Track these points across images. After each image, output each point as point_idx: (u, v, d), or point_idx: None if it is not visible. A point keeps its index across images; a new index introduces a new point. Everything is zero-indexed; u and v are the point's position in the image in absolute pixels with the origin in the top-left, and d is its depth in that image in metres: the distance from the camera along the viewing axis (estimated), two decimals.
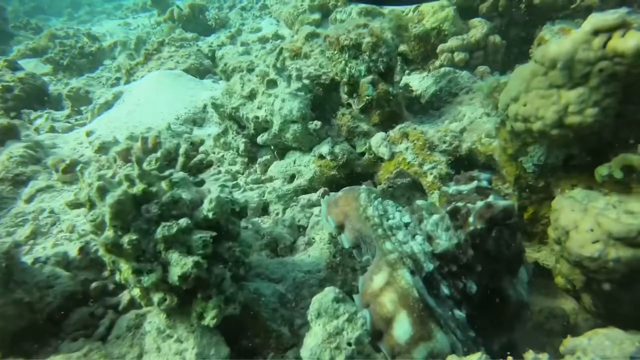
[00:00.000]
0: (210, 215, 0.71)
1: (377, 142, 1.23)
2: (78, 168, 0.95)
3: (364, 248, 0.74)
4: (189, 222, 0.71)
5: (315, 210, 1.08)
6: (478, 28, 1.68)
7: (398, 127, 1.26)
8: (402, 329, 0.66)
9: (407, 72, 1.77)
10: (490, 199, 0.73)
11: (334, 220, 0.77)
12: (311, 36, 1.67)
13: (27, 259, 0.93)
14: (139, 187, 0.70)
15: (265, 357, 0.77)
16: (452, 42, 1.67)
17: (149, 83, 1.88)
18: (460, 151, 1.18)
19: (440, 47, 1.69)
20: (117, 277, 0.77)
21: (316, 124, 1.46)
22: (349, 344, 0.67)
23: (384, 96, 1.33)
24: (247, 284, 0.77)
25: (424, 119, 1.52)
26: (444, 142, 1.19)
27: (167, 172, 0.76)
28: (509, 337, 0.74)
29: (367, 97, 1.34)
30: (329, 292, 0.71)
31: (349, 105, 1.43)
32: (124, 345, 0.80)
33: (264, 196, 1.18)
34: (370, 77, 1.33)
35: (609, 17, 0.78)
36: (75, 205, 0.95)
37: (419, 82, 1.65)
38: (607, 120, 0.84)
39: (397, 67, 1.75)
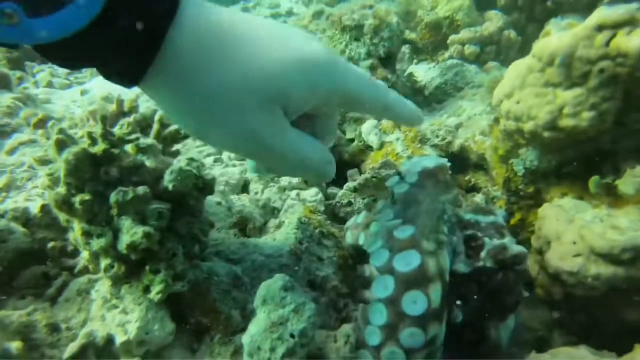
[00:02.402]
0: (170, 186, 0.68)
1: (368, 130, 1.18)
2: (50, 123, 0.93)
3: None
4: (147, 190, 0.68)
5: (292, 193, 1.04)
6: (493, 21, 1.60)
7: None
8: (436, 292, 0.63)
9: (415, 61, 1.71)
10: (506, 240, 0.70)
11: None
12: (318, 14, 1.62)
13: None
14: (100, 147, 0.67)
15: (212, 338, 0.74)
16: (464, 33, 1.60)
17: None
18: (452, 147, 1.13)
19: (451, 38, 1.63)
20: (71, 236, 0.74)
21: None
22: (292, 336, 0.63)
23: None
24: (201, 263, 0.74)
25: (424, 110, 1.47)
26: (437, 137, 1.14)
27: (133, 136, 0.72)
28: None
29: None
30: (278, 279, 0.67)
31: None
32: (71, 309, 0.78)
33: (245, 173, 1.14)
34: (369, 62, 1.27)
35: (616, 12, 0.72)
36: (43, 161, 0.92)
37: (424, 72, 1.59)
38: (604, 126, 0.78)
39: (403, 54, 1.69)
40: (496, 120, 0.93)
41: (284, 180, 1.11)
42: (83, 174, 0.68)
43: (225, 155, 1.24)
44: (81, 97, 1.58)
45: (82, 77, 2.00)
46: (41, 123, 1.11)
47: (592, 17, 0.72)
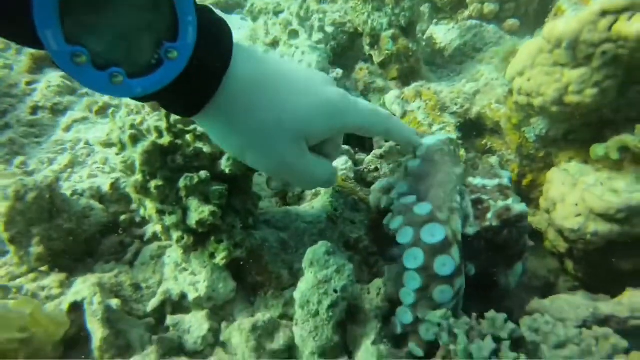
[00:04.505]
0: (227, 170, 0.81)
1: (391, 100, 1.27)
2: (110, 111, 1.05)
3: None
4: (208, 174, 0.81)
5: None
6: None
7: (413, 85, 1.29)
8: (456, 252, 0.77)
9: (435, 21, 1.75)
10: (510, 201, 0.81)
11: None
12: None
13: (67, 189, 1.06)
14: (166, 139, 0.80)
15: (266, 293, 0.89)
16: None
17: None
18: (470, 114, 1.22)
19: None
20: (142, 212, 0.88)
21: (337, 73, 1.49)
22: (335, 291, 0.77)
23: (403, 51, 1.35)
24: (254, 232, 0.88)
25: (443, 74, 1.53)
26: (455, 104, 1.23)
27: (192, 127, 0.84)
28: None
29: (386, 52, 1.36)
30: (322, 245, 0.81)
31: (370, 57, 1.46)
32: (147, 271, 0.93)
33: None
34: (391, 32, 1.34)
35: None
36: (107, 144, 1.06)
37: (444, 34, 1.64)
38: (607, 101, 0.87)
39: (423, 14, 1.73)
40: (510, 92, 1.02)
41: None
42: (154, 163, 0.81)
43: None
44: None
45: None
46: (102, 110, 1.23)
47: (596, 2, 0.79)
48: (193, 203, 0.81)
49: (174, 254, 0.92)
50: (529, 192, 1.16)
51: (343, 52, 1.56)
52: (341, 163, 1.21)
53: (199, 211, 0.80)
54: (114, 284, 0.88)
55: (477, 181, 0.86)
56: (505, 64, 1.22)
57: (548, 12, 1.74)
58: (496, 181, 0.84)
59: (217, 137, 0.58)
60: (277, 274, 0.91)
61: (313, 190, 1.12)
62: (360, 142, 1.31)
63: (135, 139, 0.81)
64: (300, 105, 0.53)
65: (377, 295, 0.89)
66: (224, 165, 0.83)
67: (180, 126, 0.84)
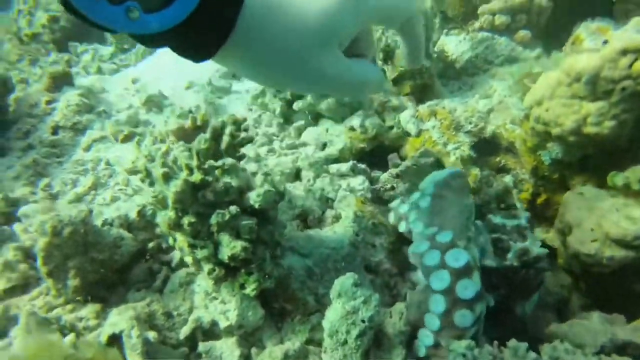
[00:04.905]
0: (256, 206, 0.84)
1: (406, 119, 1.29)
2: (135, 139, 1.08)
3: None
4: (238, 209, 0.84)
5: (343, 183, 1.19)
6: None
7: (427, 104, 1.31)
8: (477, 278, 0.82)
9: (445, 31, 1.76)
10: (528, 243, 0.84)
11: None
12: None
13: (96, 215, 1.09)
14: (197, 177, 0.82)
15: (293, 319, 0.92)
16: (495, 3, 1.63)
17: None
18: (485, 133, 1.24)
19: (482, 8, 1.66)
20: (171, 242, 0.91)
21: None
22: (363, 321, 0.81)
23: (417, 69, 1.37)
24: (282, 262, 0.91)
25: (455, 87, 1.55)
26: (470, 123, 1.25)
27: (220, 162, 0.87)
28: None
29: (400, 69, 1.38)
30: (350, 277, 0.84)
31: (384, 71, 1.47)
32: (177, 298, 0.97)
33: (297, 162, 1.29)
34: None
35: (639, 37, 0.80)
36: (133, 172, 1.09)
37: (455, 45, 1.65)
38: (624, 132, 0.90)
39: (434, 24, 1.75)
40: (526, 117, 1.04)
41: (333, 169, 1.25)
42: (186, 199, 0.84)
43: (277, 144, 1.38)
44: (133, 85, 1.71)
45: (127, 59, 2.11)
46: (127, 138, 1.26)
47: (617, 40, 0.81)
48: (224, 238, 0.84)
49: (203, 282, 0.95)
50: (543, 211, 1.19)
51: None
52: (358, 183, 1.23)
53: (230, 246, 0.83)
54: (147, 313, 0.91)
55: (497, 220, 0.89)
56: (520, 85, 1.24)
57: (558, 23, 1.76)
58: (515, 222, 0.87)
59: (247, 73, 0.52)
60: (304, 300, 0.94)
61: (333, 212, 1.15)
62: (374, 162, 1.33)
63: (167, 177, 0.84)
64: (322, 5, 0.48)
65: (399, 319, 0.92)
66: (254, 200, 0.86)
67: (210, 162, 0.87)
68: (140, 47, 2.04)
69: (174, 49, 0.47)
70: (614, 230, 0.91)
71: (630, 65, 0.79)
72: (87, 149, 1.43)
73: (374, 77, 0.57)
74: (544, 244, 1.19)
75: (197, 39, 0.45)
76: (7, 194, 1.19)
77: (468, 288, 0.78)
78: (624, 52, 0.78)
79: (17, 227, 1.13)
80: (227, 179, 0.87)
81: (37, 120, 1.47)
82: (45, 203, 1.19)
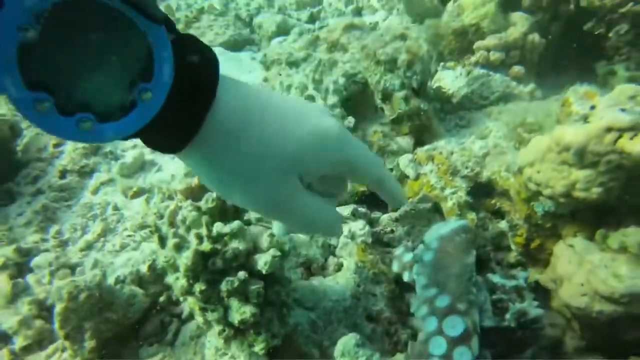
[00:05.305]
0: (264, 272, 0.88)
1: (405, 164, 1.34)
2: (144, 197, 1.12)
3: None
4: (246, 275, 0.88)
5: (345, 228, 1.23)
6: (517, 26, 1.67)
7: (425, 148, 1.36)
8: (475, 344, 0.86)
9: (442, 64, 1.80)
10: (525, 304, 0.89)
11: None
12: (349, 27, 1.71)
13: (106, 265, 1.13)
14: (206, 246, 0.87)
15: None
16: (490, 40, 1.68)
17: None
18: (481, 178, 1.29)
19: (477, 44, 1.71)
20: (181, 298, 0.96)
21: (349, 121, 1.56)
22: None
23: (415, 111, 1.41)
24: (288, 319, 0.96)
25: (452, 123, 1.60)
26: (466, 168, 1.30)
27: (227, 228, 0.91)
28: None
29: (399, 111, 1.42)
30: (352, 338, 0.89)
31: (382, 110, 1.52)
32: (188, 352, 1.02)
33: None
34: (403, 93, 1.40)
35: (623, 118, 0.85)
36: (142, 227, 1.13)
37: (451, 81, 1.70)
38: (611, 197, 0.95)
39: (430, 60, 1.79)
40: (520, 172, 1.09)
41: None
42: (197, 267, 0.89)
43: None
44: None
45: None
46: (136, 195, 1.31)
47: (601, 119, 0.86)
48: (234, 303, 0.89)
49: (213, 338, 1.00)
50: (536, 254, 1.24)
51: (355, 101, 1.62)
52: (359, 228, 1.28)
53: (240, 312, 0.88)
54: None
55: (496, 279, 0.93)
56: (514, 133, 1.28)
57: (551, 59, 1.80)
58: (514, 282, 0.92)
59: (202, 175, 0.51)
60: (309, 353, 0.99)
61: (336, 260, 1.20)
62: (374, 203, 1.38)
63: (178, 247, 0.88)
64: (290, 137, 0.47)
65: None
66: (261, 266, 0.90)
67: (218, 228, 0.91)
68: None
69: (142, 141, 0.47)
70: (602, 287, 0.96)
71: (615, 142, 0.84)
72: (95, 192, 1.48)
73: (327, 221, 0.54)
74: (537, 285, 1.25)
75: (161, 138, 0.45)
76: (20, 244, 1.23)
77: (464, 355, 0.83)
78: (609, 129, 0.83)
79: (30, 278, 1.18)
80: (235, 244, 0.92)
81: (45, 164, 1.51)
82: (58, 252, 1.23)
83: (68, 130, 0.35)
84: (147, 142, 0.45)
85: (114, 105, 0.37)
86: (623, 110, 0.85)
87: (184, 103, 0.41)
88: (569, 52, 1.73)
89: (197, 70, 0.42)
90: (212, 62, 0.44)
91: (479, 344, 0.87)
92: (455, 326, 0.86)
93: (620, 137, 0.84)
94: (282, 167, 0.47)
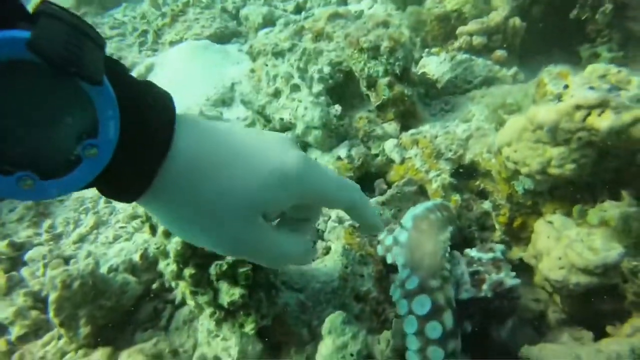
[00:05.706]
0: None
1: (390, 148, 1.37)
2: None
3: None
4: (234, 259, 0.91)
5: (332, 213, 1.26)
6: (499, 11, 1.69)
7: (410, 132, 1.39)
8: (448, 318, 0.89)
9: (426, 50, 1.83)
10: (502, 274, 0.92)
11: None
12: (333, 16, 1.72)
13: (100, 256, 1.16)
14: None
15: (289, 350, 1.01)
16: (472, 25, 1.70)
17: (179, 57, 1.98)
18: (464, 160, 1.32)
19: (460, 29, 1.73)
20: (173, 284, 0.99)
21: (336, 109, 1.58)
22: (352, 355, 0.89)
23: (399, 97, 1.44)
24: (277, 300, 0.99)
25: (437, 108, 1.63)
26: (450, 150, 1.33)
27: None
28: None
29: (383, 97, 1.45)
30: (339, 315, 0.92)
31: (368, 97, 1.55)
32: (182, 335, 1.05)
33: None
34: (387, 79, 1.43)
35: (591, 95, 0.88)
36: (133, 217, 1.16)
37: (435, 66, 1.72)
38: (584, 173, 0.98)
39: (414, 46, 1.82)
40: (499, 152, 1.12)
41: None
42: (186, 252, 0.92)
43: None
44: None
45: None
46: None
47: (571, 97, 0.89)
48: (223, 286, 0.92)
49: (205, 321, 1.03)
50: (519, 232, 1.28)
51: (341, 89, 1.65)
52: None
53: (229, 294, 0.91)
54: (154, 353, 0.99)
55: (473, 253, 0.97)
56: (495, 114, 1.31)
57: (532, 42, 1.83)
58: (490, 255, 0.95)
59: (164, 222, 0.50)
60: (298, 332, 1.03)
61: (324, 244, 1.23)
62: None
63: (168, 234, 0.91)
64: (249, 179, 0.47)
65: (386, 347, 1.01)
66: None
67: None
68: None
69: (98, 190, 0.46)
70: (578, 260, 1.00)
71: (584, 119, 0.87)
72: None
73: (297, 252, 0.54)
74: (521, 262, 1.29)
75: (115, 189, 0.44)
76: (13, 238, 1.26)
77: (435, 329, 0.87)
78: (578, 107, 0.86)
79: (24, 271, 1.20)
80: None
81: None
82: (51, 245, 1.26)
83: (9, 189, 0.35)
84: (102, 193, 0.45)
85: (59, 160, 0.36)
86: (592, 88, 0.88)
87: (136, 156, 0.40)
88: (552, 36, 1.76)
89: (149, 122, 0.41)
90: (167, 110, 0.44)
91: (454, 317, 0.91)
92: (423, 305, 0.90)
93: (589, 114, 0.87)
94: (243, 211, 0.47)
